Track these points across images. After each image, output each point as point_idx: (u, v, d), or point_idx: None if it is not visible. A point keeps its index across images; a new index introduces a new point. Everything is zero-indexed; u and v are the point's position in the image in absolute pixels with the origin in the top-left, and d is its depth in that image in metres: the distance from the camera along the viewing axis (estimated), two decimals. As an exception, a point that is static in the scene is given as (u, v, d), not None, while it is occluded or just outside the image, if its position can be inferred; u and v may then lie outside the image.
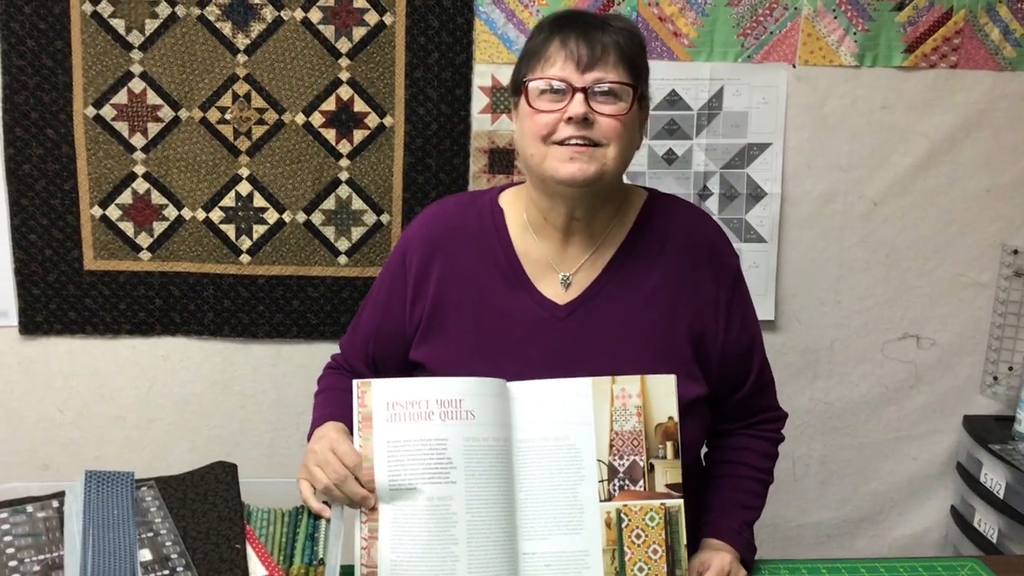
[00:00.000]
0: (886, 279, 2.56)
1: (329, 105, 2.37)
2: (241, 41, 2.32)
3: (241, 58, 2.33)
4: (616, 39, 1.40)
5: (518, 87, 1.45)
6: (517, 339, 1.47)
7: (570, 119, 1.37)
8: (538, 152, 1.41)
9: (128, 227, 2.40)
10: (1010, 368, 2.59)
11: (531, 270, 1.50)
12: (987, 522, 2.45)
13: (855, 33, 2.40)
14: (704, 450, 1.64)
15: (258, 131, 2.37)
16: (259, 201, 2.41)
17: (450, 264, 1.52)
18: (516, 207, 1.54)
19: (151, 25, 2.29)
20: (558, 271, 1.50)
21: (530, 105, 1.41)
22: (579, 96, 1.37)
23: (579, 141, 1.38)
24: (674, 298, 1.50)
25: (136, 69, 2.32)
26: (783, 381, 1.72)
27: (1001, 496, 2.38)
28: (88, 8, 2.27)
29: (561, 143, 1.38)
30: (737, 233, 2.47)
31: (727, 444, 1.61)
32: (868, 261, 2.55)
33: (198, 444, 2.53)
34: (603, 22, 1.42)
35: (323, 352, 1.71)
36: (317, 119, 2.37)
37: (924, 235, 2.54)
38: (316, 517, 1.37)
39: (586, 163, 1.38)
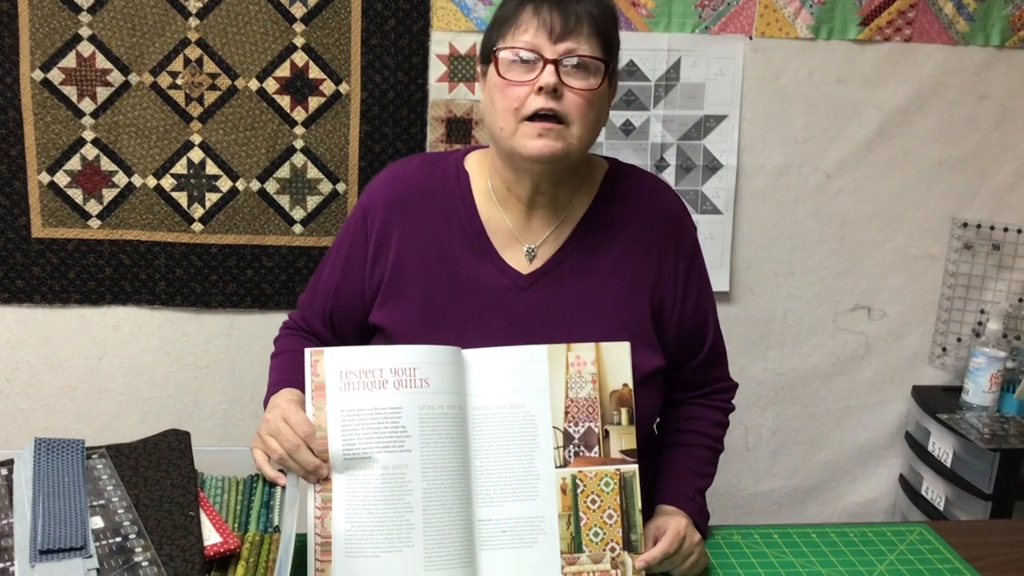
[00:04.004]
0: (838, 251, 2.60)
1: (283, 71, 2.33)
2: (193, 4, 2.27)
3: (193, 22, 2.29)
4: (590, 10, 1.38)
5: (488, 55, 1.43)
6: (479, 307, 1.46)
7: (540, 89, 1.36)
8: (508, 127, 1.39)
9: (77, 194, 2.36)
10: (959, 339, 2.64)
11: (495, 239, 1.49)
12: (934, 490, 2.50)
13: (811, 6, 2.40)
14: (657, 420, 1.65)
15: (210, 97, 2.33)
16: (212, 168, 2.37)
17: (413, 225, 1.49)
18: (481, 173, 1.53)
19: (100, -13, 2.25)
20: (522, 243, 1.49)
21: (500, 75, 1.39)
22: (550, 67, 1.35)
23: (547, 113, 1.36)
24: (636, 269, 1.50)
25: (85, 32, 2.27)
26: (736, 352, 1.74)
27: (948, 464, 2.43)
28: (34, -31, 2.22)
29: (531, 119, 1.37)
30: (693, 205, 2.48)
31: (679, 414, 1.62)
32: (821, 233, 2.58)
33: (150, 415, 2.51)
34: None
35: (278, 322, 1.69)
36: (271, 85, 2.34)
37: (876, 208, 2.57)
38: (272, 485, 1.36)
39: (553, 141, 1.37)
